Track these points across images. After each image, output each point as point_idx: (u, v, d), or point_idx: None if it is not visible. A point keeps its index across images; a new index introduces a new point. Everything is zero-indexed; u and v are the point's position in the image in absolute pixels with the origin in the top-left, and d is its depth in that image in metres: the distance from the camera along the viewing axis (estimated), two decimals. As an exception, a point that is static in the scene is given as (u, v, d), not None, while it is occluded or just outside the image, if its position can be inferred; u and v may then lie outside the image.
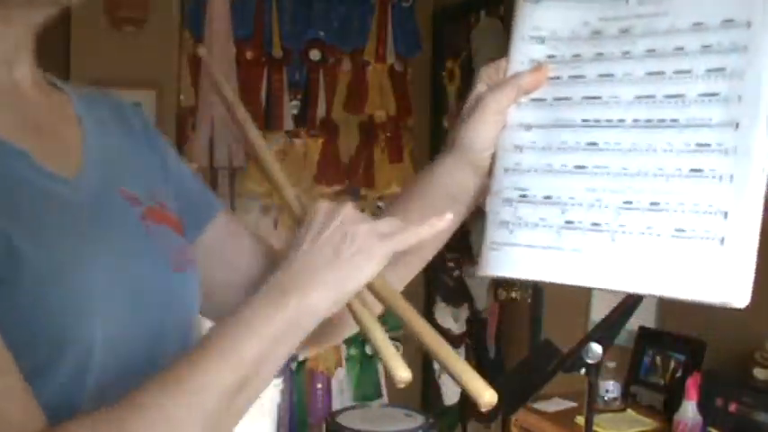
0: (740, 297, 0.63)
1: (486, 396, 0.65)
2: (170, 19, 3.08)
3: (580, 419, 2.16)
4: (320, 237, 0.70)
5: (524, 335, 3.03)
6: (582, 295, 2.68)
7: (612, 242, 0.69)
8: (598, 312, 2.59)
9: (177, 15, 3.11)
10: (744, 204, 0.64)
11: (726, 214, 0.64)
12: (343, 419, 2.68)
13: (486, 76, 0.81)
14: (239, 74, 3.16)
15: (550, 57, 0.78)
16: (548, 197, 0.74)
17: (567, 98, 0.76)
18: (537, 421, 2.28)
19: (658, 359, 2.40)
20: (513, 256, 0.75)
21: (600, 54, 0.75)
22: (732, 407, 2.05)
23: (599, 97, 0.74)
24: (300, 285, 0.68)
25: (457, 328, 3.31)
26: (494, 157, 0.79)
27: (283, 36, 3.27)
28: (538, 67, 0.78)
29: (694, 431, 2.05)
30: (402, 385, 0.67)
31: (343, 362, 3.29)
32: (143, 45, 2.99)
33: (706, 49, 0.68)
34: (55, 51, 2.74)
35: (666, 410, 2.23)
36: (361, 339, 3.16)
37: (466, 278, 3.30)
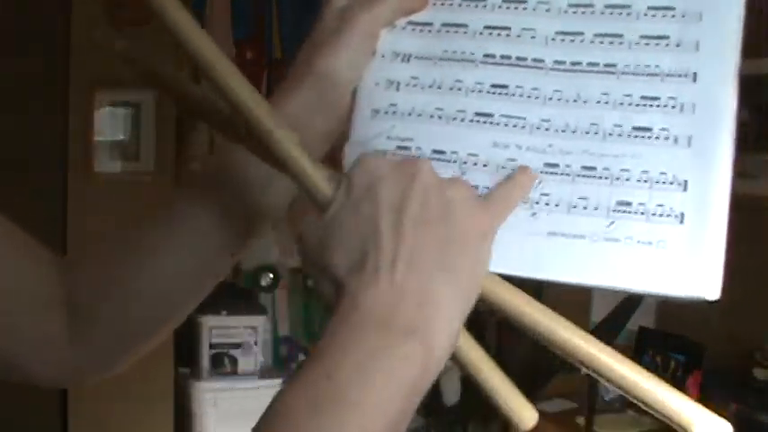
0: (708, 287, 0.49)
1: None
2: (170, 19, 3.08)
3: (580, 420, 2.16)
4: (404, 221, 0.45)
5: (524, 335, 3.03)
6: (582, 295, 2.68)
7: (533, 217, 0.53)
8: (598, 313, 2.59)
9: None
10: (708, 173, 0.51)
11: (685, 185, 0.51)
12: (343, 419, 2.67)
13: None
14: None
15: None
16: (439, 152, 0.56)
17: (462, 25, 0.58)
18: (537, 421, 2.28)
19: (658, 359, 2.40)
20: None
21: None
22: (732, 407, 2.05)
23: (507, 28, 0.57)
24: (416, 315, 0.44)
25: (457, 328, 3.31)
26: (356, 95, 0.59)
27: (283, 37, 3.27)
28: None
29: (694, 431, 2.05)
30: (526, 429, 0.51)
31: (344, 362, 3.29)
32: (143, 45, 2.98)
33: None
34: (55, 51, 2.75)
35: (666, 410, 2.23)
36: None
37: (466, 278, 3.29)
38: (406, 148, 0.56)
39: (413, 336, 0.44)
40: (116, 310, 0.66)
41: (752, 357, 2.10)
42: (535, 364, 2.17)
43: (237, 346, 2.82)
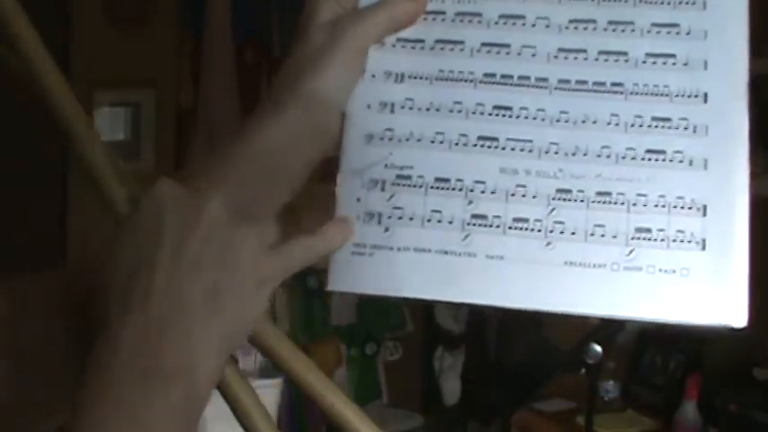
0: (735, 314, 0.49)
1: None
2: (170, 19, 3.08)
3: (580, 419, 2.16)
4: (181, 260, 0.44)
5: (524, 335, 3.04)
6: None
7: (548, 246, 0.50)
8: (598, 312, 2.59)
9: (177, 15, 3.12)
10: (727, 197, 0.50)
11: (704, 209, 0.50)
12: (343, 419, 2.68)
13: None
14: (239, 75, 3.16)
15: None
16: (443, 180, 0.53)
17: (457, 42, 0.55)
18: (537, 421, 2.28)
19: (658, 359, 2.40)
20: (394, 265, 0.52)
21: None
22: (732, 407, 2.05)
23: (507, 45, 0.54)
24: (177, 358, 0.43)
25: (457, 328, 3.31)
26: (346, 119, 0.55)
27: (284, 36, 3.27)
28: None
29: (694, 431, 2.05)
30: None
31: (344, 362, 3.29)
32: (143, 45, 2.99)
33: None
34: (55, 51, 2.75)
35: (666, 410, 2.24)
36: (361, 339, 3.16)
37: (466, 278, 3.29)
38: (406, 176, 0.53)
39: (172, 383, 0.43)
40: None
41: (752, 357, 2.10)
42: (535, 364, 2.17)
43: (237, 345, 2.82)
